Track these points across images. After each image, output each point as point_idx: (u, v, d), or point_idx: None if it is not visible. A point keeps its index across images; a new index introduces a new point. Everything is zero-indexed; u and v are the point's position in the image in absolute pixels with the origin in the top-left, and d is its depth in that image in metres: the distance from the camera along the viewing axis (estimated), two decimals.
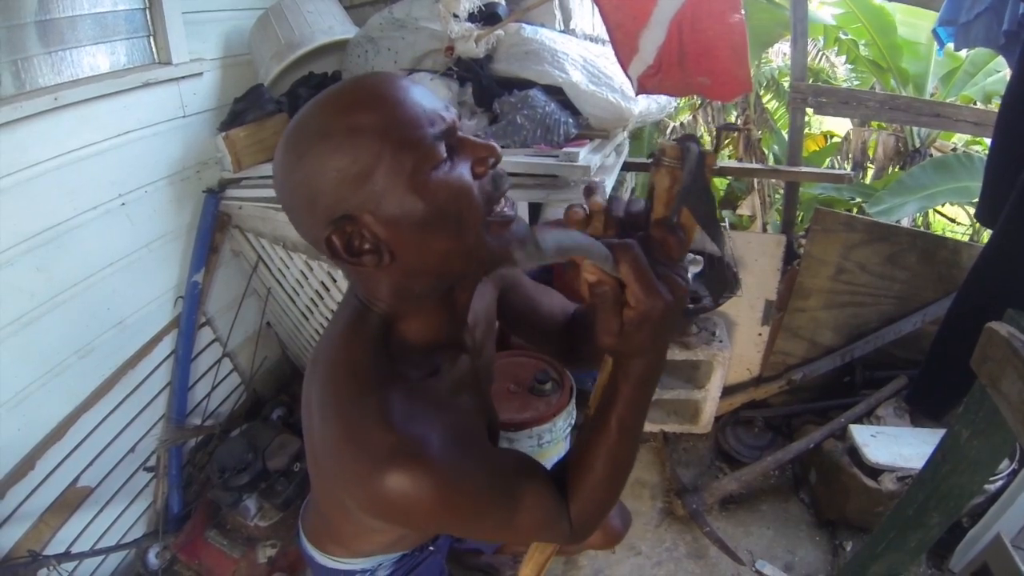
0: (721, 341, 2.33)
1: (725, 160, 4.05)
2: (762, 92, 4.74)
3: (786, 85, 3.88)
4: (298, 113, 0.69)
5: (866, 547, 1.55)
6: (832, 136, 5.24)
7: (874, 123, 4.37)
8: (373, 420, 0.64)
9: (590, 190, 0.69)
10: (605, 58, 2.03)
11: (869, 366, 2.39)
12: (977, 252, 1.95)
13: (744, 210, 4.30)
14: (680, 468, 2.39)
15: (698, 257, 2.16)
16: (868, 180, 4.34)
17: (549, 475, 0.79)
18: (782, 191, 3.68)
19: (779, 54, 4.95)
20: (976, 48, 3.17)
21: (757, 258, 2.37)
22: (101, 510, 2.02)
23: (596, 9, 1.78)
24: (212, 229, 2.19)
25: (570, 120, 1.95)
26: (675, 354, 2.30)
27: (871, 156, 4.45)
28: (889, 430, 2.07)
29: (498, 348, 1.21)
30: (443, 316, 0.79)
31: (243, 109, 2.14)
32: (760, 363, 2.56)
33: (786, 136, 2.90)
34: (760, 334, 2.50)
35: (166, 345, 2.18)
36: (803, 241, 2.59)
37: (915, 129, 3.94)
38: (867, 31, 3.62)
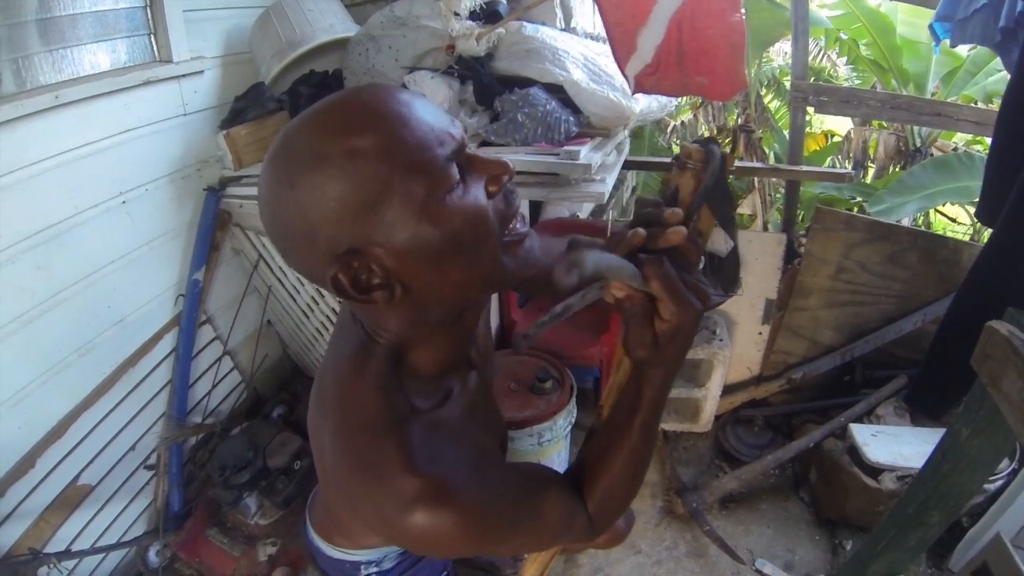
0: (721, 340, 2.33)
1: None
2: (763, 91, 4.74)
3: (787, 84, 3.87)
4: (283, 134, 0.62)
5: (866, 546, 1.55)
6: (833, 135, 5.25)
7: (875, 122, 4.37)
8: (394, 465, 0.61)
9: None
10: (606, 56, 2.03)
11: (869, 365, 2.39)
12: (977, 252, 1.95)
13: (745, 209, 4.30)
14: (680, 467, 2.40)
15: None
16: (869, 179, 4.34)
17: (562, 478, 0.79)
18: (783, 190, 3.68)
19: (780, 53, 4.94)
20: (976, 47, 3.18)
21: (758, 257, 2.37)
22: (101, 508, 2.02)
23: (596, 7, 1.78)
24: (213, 227, 2.19)
25: (571, 118, 1.95)
26: None
27: (872, 155, 4.44)
28: (889, 429, 2.08)
29: (496, 347, 1.21)
30: (453, 340, 0.76)
31: (244, 107, 2.14)
32: (760, 362, 2.56)
33: (787, 135, 2.89)
34: (760, 333, 2.50)
35: (167, 343, 2.18)
36: (803, 240, 2.59)
37: (916, 128, 3.94)
38: (867, 31, 3.62)
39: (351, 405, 0.67)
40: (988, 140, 2.26)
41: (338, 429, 0.67)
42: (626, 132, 2.28)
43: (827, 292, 2.37)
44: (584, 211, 3.09)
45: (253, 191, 2.12)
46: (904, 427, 2.10)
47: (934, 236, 2.51)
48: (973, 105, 3.07)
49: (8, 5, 1.63)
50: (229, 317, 2.43)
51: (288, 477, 2.16)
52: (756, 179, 4.25)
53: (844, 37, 3.99)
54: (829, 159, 4.73)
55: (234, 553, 2.12)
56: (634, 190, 3.42)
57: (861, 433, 2.04)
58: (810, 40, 2.88)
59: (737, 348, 2.51)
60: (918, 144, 3.99)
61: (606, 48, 1.88)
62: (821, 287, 2.36)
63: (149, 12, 1.98)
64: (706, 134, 4.69)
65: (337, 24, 2.30)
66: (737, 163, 3.96)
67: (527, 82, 1.98)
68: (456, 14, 1.99)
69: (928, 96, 3.68)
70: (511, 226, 0.66)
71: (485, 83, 2.01)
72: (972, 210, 3.46)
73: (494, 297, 2.13)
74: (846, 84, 4.68)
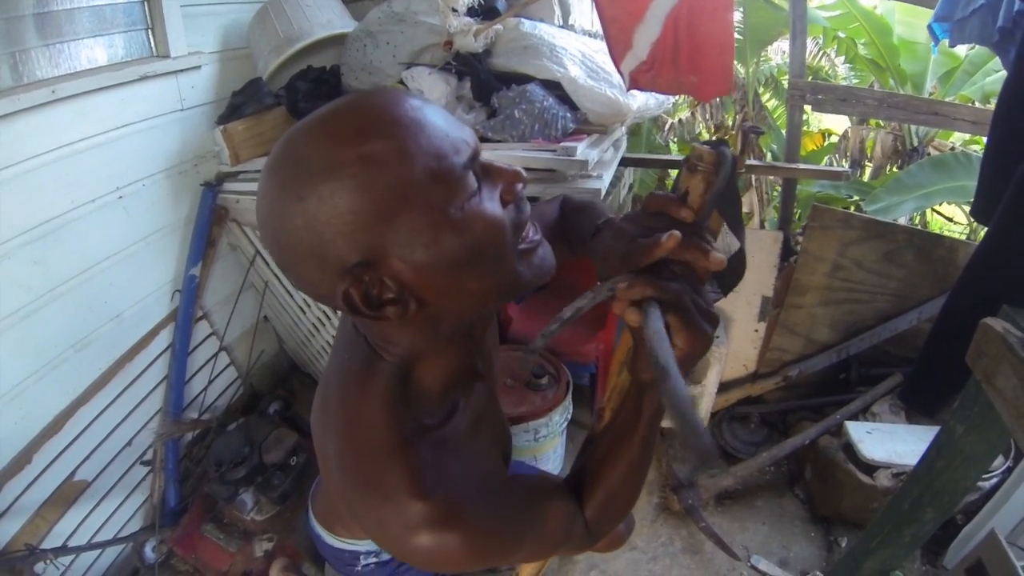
0: (718, 337, 2.33)
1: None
2: (761, 90, 4.74)
3: (785, 83, 3.88)
4: (286, 142, 0.58)
5: (861, 542, 1.56)
6: (830, 134, 5.24)
7: (872, 121, 4.37)
8: (401, 488, 0.60)
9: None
10: (603, 54, 2.02)
11: (865, 363, 2.40)
12: (973, 250, 1.96)
13: (742, 206, 4.29)
14: (676, 463, 2.40)
15: None
16: (866, 178, 4.34)
17: (563, 487, 0.78)
18: (779, 188, 3.68)
19: (778, 52, 4.93)
20: (974, 47, 3.18)
21: (754, 254, 2.37)
22: (98, 504, 2.02)
23: (593, 3, 1.79)
24: (209, 223, 2.19)
25: (568, 115, 1.95)
26: None
27: (869, 155, 4.44)
28: (884, 427, 2.08)
29: None
30: (462, 353, 0.74)
31: (241, 103, 2.14)
32: (756, 359, 2.56)
33: (784, 134, 2.90)
34: (756, 330, 2.51)
35: (163, 339, 2.18)
36: (800, 238, 2.59)
37: (913, 128, 3.94)
38: (865, 31, 3.62)
39: (357, 425, 0.65)
40: (985, 139, 2.27)
41: (343, 448, 0.66)
42: (623, 129, 2.28)
43: (823, 290, 2.37)
44: None
45: (250, 187, 2.12)
46: (899, 425, 2.11)
47: (930, 235, 2.51)
48: (970, 105, 3.07)
49: None
50: (225, 313, 2.43)
51: (284, 473, 2.16)
52: (753, 177, 4.25)
53: (842, 36, 3.98)
54: (826, 159, 4.73)
55: (230, 549, 2.12)
56: (631, 187, 3.42)
57: (856, 430, 2.05)
58: (808, 39, 2.87)
59: (733, 345, 2.51)
60: (915, 143, 3.99)
61: (604, 45, 1.88)
62: (817, 285, 2.37)
63: (147, 7, 1.98)
64: (705, 133, 4.69)
65: (335, 20, 2.30)
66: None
67: (525, 78, 1.98)
68: (454, 10, 2.00)
69: (926, 96, 3.68)
70: (524, 234, 0.65)
71: (483, 79, 2.02)
72: (968, 209, 3.46)
73: None
74: (844, 83, 4.68)
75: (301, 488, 2.20)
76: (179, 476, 2.26)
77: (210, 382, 2.40)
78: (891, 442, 1.99)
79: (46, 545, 1.83)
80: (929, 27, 2.11)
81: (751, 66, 4.18)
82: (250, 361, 2.56)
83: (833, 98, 2.44)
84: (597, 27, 2.43)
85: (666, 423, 0.61)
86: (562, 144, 1.84)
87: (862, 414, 2.19)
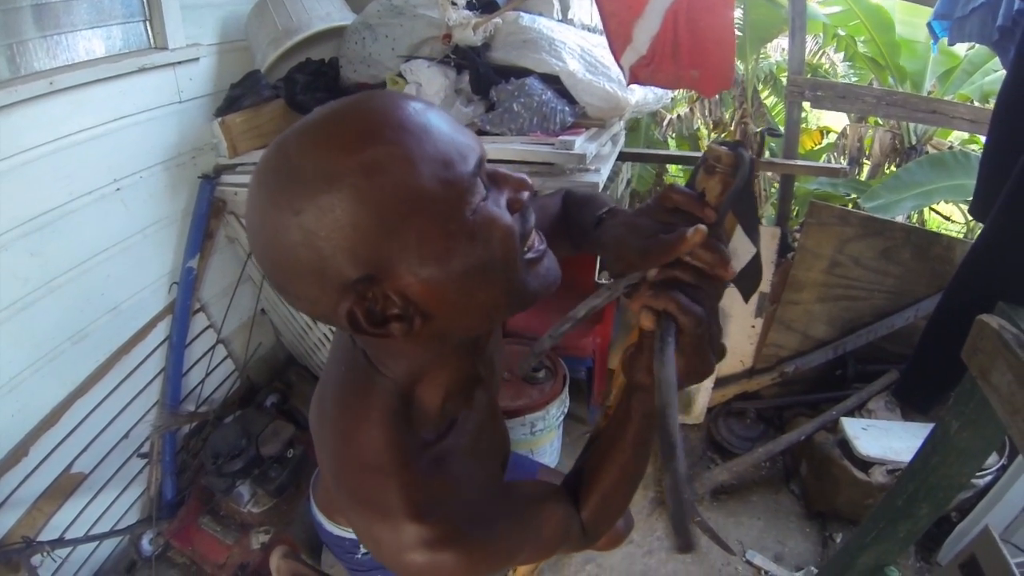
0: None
1: None
2: (760, 87, 4.73)
3: (784, 80, 3.87)
4: (277, 151, 0.54)
5: (855, 537, 1.56)
6: (829, 131, 5.24)
7: (871, 119, 4.37)
8: (398, 509, 0.59)
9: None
10: (602, 48, 2.02)
11: (861, 360, 2.40)
12: (969, 247, 1.96)
13: None
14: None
15: None
16: (864, 176, 4.34)
17: (560, 489, 0.78)
18: (777, 184, 3.68)
19: (777, 49, 4.92)
20: (973, 46, 3.18)
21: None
22: (95, 496, 2.02)
23: None
24: (207, 215, 2.19)
25: (566, 109, 1.95)
26: None
27: (867, 152, 4.44)
28: (880, 423, 2.09)
29: None
30: (464, 366, 0.72)
31: (239, 95, 2.14)
32: (753, 355, 2.57)
33: (783, 130, 2.89)
34: (753, 326, 2.51)
35: (160, 331, 2.18)
36: (798, 234, 2.60)
37: (911, 126, 3.94)
38: (865, 28, 3.62)
39: (355, 441, 0.63)
40: (983, 139, 2.27)
41: (341, 465, 0.64)
42: (622, 123, 2.28)
43: (820, 286, 2.37)
44: None
45: (248, 179, 2.11)
46: (895, 421, 2.12)
47: (928, 232, 2.51)
48: (969, 103, 3.07)
49: None
50: (223, 305, 2.42)
51: (281, 465, 2.16)
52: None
53: (841, 34, 3.98)
54: (824, 156, 4.72)
55: (227, 541, 2.13)
56: (629, 183, 3.41)
57: (852, 427, 2.05)
58: (808, 36, 2.87)
59: (730, 341, 2.51)
60: (913, 142, 3.99)
61: (603, 39, 1.88)
62: (814, 281, 2.37)
63: None
64: (703, 129, 4.69)
65: (333, 12, 2.30)
66: None
67: (523, 72, 1.98)
68: (453, 3, 1.99)
69: (925, 94, 3.68)
70: (529, 243, 0.62)
71: (481, 73, 2.01)
72: (966, 208, 3.47)
73: None
74: (843, 81, 4.68)
75: (298, 480, 2.20)
76: (176, 468, 2.26)
77: (207, 374, 2.39)
78: (886, 438, 2.00)
79: (43, 537, 1.83)
80: (928, 25, 2.11)
81: (750, 63, 4.17)
82: (247, 353, 2.55)
83: (832, 95, 2.45)
84: (596, 21, 2.43)
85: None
86: (560, 138, 1.84)
87: (858, 410, 2.20)
